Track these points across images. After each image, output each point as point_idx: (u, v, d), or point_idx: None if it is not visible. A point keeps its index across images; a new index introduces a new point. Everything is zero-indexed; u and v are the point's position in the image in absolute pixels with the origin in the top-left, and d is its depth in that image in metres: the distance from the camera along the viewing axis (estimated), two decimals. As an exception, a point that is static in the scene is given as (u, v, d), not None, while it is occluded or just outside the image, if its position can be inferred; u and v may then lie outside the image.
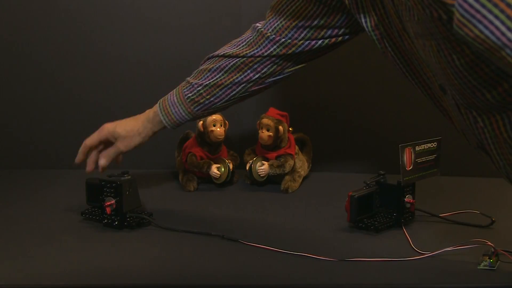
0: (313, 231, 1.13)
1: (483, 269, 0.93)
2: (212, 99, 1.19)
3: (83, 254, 1.01)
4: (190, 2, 1.56)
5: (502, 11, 0.65)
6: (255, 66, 1.16)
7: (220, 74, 1.18)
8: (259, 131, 1.42)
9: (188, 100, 1.19)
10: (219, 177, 1.40)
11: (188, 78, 1.22)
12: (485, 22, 0.67)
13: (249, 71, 1.17)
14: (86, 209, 1.18)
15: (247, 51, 1.16)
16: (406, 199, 1.13)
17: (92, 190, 1.16)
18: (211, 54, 1.21)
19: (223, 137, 1.41)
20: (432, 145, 1.15)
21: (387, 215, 1.15)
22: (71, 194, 1.34)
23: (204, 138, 1.41)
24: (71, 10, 1.55)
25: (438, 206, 1.25)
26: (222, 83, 1.18)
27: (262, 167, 1.39)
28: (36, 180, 1.49)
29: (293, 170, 1.42)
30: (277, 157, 1.42)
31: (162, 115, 1.21)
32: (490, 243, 0.96)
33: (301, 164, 1.46)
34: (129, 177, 1.13)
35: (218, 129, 1.40)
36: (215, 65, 1.18)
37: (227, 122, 1.44)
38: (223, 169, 1.40)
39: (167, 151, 1.57)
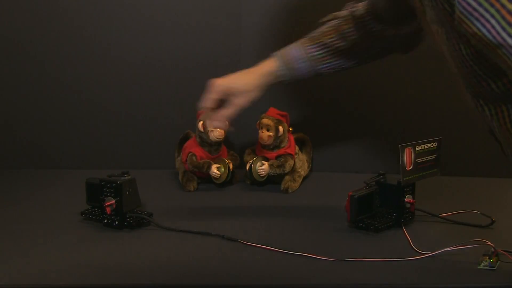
0: (313, 231, 1.13)
1: (483, 269, 0.93)
2: (341, 61, 1.18)
3: (83, 254, 1.01)
4: (190, 2, 1.55)
5: (497, 10, 0.66)
6: (385, 30, 1.15)
7: (354, 36, 1.16)
8: (259, 131, 1.42)
9: (313, 58, 1.17)
10: (219, 177, 1.40)
11: (313, 35, 1.19)
12: (482, 20, 0.68)
13: (381, 38, 1.16)
14: (86, 209, 1.18)
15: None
16: (406, 199, 1.13)
17: (92, 190, 1.16)
18: (341, 13, 1.19)
19: (223, 137, 1.41)
20: (432, 145, 1.15)
21: (387, 215, 1.15)
22: (71, 194, 1.34)
23: (204, 138, 1.41)
24: (71, 10, 1.55)
25: (438, 206, 1.24)
26: (356, 45, 1.16)
27: (262, 167, 1.39)
28: (36, 180, 1.49)
29: (293, 170, 1.42)
30: (277, 157, 1.42)
31: (285, 69, 1.17)
32: (490, 243, 0.96)
33: (301, 164, 1.46)
34: (129, 177, 1.13)
35: (218, 129, 1.40)
36: (349, 27, 1.16)
37: (227, 122, 1.43)
38: (223, 169, 1.40)
39: (167, 151, 1.57)
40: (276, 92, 1.57)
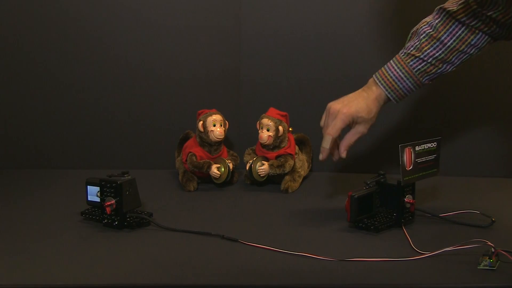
0: (313, 231, 1.13)
1: (483, 269, 0.93)
2: (444, 66, 1.17)
3: (83, 254, 1.01)
4: (190, 2, 1.55)
5: None
6: (485, 23, 1.13)
7: (452, 40, 1.14)
8: (259, 131, 1.42)
9: (418, 72, 1.17)
10: (219, 177, 1.40)
11: (410, 50, 1.18)
12: None
13: (481, 34, 1.14)
14: (86, 209, 1.18)
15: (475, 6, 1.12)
16: (406, 199, 1.13)
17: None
18: (432, 20, 1.17)
19: (223, 137, 1.41)
20: (432, 145, 1.15)
21: (387, 215, 1.15)
22: (71, 194, 1.34)
23: (204, 138, 1.41)
24: (71, 10, 1.55)
25: (438, 206, 1.25)
26: (457, 49, 1.15)
27: (262, 167, 1.39)
28: (36, 180, 1.49)
29: (293, 170, 1.42)
30: (277, 157, 1.42)
31: (389, 92, 1.18)
32: (490, 243, 0.96)
33: (301, 164, 1.46)
34: (129, 177, 1.13)
35: (218, 129, 1.40)
36: (444, 33, 1.15)
37: (227, 122, 1.44)
38: (223, 169, 1.40)
39: (167, 151, 1.57)
40: (276, 92, 1.57)
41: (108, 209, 1.10)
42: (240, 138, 1.58)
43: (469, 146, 1.55)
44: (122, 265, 0.96)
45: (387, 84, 1.18)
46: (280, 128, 1.40)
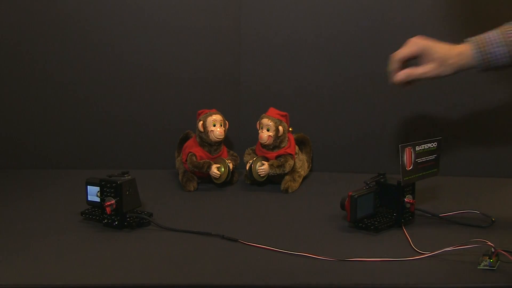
0: (313, 231, 1.13)
1: (483, 269, 0.93)
2: None
3: (83, 254, 1.01)
4: (190, 3, 1.55)
5: None
6: None
7: None
8: (259, 131, 1.42)
9: None
10: (219, 177, 1.40)
11: None
12: None
13: None
14: (86, 209, 1.18)
15: None
16: (406, 199, 1.13)
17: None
18: None
19: (223, 137, 1.41)
20: (432, 145, 1.15)
21: (387, 215, 1.15)
22: (71, 194, 1.34)
23: (204, 138, 1.41)
24: (72, 10, 1.55)
25: (438, 206, 1.25)
26: None
27: (262, 167, 1.39)
28: (36, 180, 1.49)
29: (293, 170, 1.42)
30: (277, 157, 1.42)
31: (478, 53, 1.10)
32: (490, 243, 0.96)
33: (301, 164, 1.46)
34: (129, 177, 1.13)
35: (218, 129, 1.40)
36: None
37: (227, 122, 1.44)
38: (223, 169, 1.40)
39: (167, 151, 1.57)
40: (276, 92, 1.57)
41: (108, 209, 1.10)
42: (240, 138, 1.58)
43: (469, 146, 1.55)
44: (122, 265, 0.96)
45: (477, 42, 1.10)
46: (280, 128, 1.40)
